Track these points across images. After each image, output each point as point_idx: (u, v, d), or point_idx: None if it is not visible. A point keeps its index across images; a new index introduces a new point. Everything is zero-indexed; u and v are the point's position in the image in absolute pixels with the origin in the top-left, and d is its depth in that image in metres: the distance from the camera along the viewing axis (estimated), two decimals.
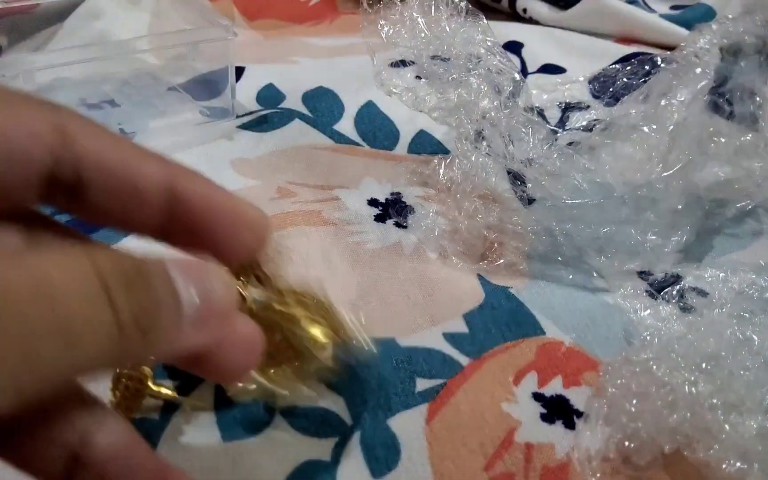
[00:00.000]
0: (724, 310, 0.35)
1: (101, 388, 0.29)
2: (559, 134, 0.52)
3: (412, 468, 0.30)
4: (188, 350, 0.15)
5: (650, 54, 0.61)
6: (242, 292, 0.22)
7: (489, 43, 0.44)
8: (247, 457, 0.30)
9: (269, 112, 0.54)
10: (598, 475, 0.29)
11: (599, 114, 0.56)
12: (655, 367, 0.31)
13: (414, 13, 0.44)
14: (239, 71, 0.59)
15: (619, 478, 0.29)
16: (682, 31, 0.68)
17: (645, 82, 0.45)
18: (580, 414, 0.32)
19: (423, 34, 0.43)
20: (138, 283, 0.14)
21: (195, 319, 0.14)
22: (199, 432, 0.31)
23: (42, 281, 0.12)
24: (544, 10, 0.74)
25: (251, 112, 0.55)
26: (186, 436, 0.30)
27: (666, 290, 0.39)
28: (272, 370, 0.24)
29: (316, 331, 0.24)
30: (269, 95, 0.57)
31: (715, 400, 0.30)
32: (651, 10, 0.75)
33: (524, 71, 0.65)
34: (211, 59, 0.55)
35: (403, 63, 0.45)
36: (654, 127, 0.40)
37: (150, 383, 0.30)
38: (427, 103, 0.44)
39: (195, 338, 0.14)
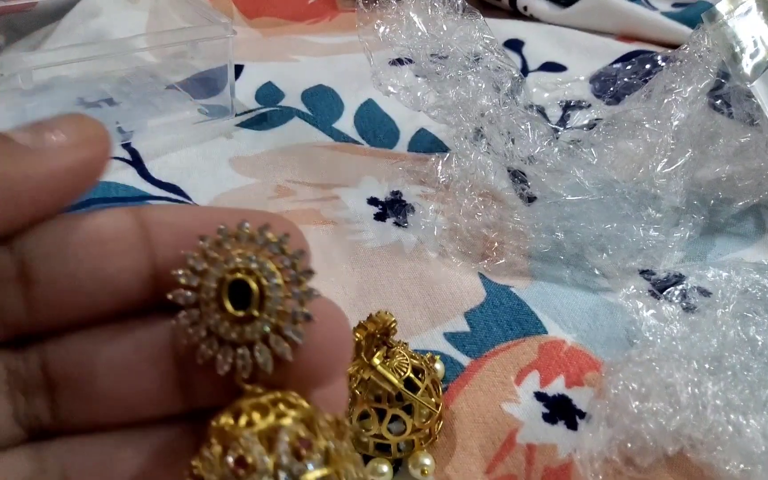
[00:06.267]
0: (727, 309, 0.35)
1: None
2: (560, 132, 0.52)
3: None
4: (66, 165, 0.18)
5: (651, 53, 0.60)
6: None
7: (487, 41, 0.44)
8: None
9: (268, 111, 0.54)
10: (600, 476, 0.29)
11: (600, 113, 0.56)
12: (657, 367, 0.31)
13: (410, 13, 0.43)
14: (238, 69, 0.59)
15: (621, 479, 0.29)
16: (684, 29, 0.67)
17: (646, 81, 0.45)
18: (582, 414, 0.32)
19: (420, 33, 0.43)
20: None
21: (64, 146, 0.18)
22: None
23: None
24: (545, 8, 0.73)
25: (250, 111, 0.54)
26: None
27: (669, 290, 0.39)
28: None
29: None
30: (268, 93, 0.57)
31: (718, 401, 0.29)
32: (652, 7, 0.74)
33: (525, 69, 0.64)
34: (210, 57, 0.54)
35: (400, 62, 0.44)
36: (657, 122, 0.40)
37: None
38: (426, 102, 0.43)
39: (67, 156, 0.18)
